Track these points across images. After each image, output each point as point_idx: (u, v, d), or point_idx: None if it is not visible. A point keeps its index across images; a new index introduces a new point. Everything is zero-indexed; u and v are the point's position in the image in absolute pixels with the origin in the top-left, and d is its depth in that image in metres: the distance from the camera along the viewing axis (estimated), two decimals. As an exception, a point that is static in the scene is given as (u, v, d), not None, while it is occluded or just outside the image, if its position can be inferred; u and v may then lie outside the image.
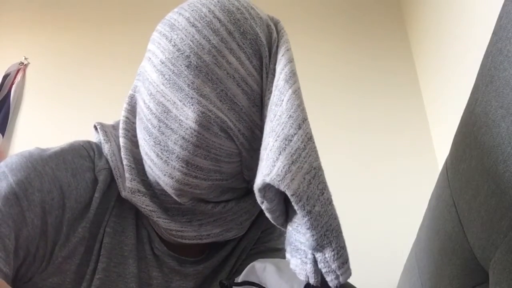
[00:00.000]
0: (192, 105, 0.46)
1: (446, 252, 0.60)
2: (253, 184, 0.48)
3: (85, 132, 2.06)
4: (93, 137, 0.57)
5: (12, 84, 1.95)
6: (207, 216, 0.53)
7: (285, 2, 2.02)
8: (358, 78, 1.82)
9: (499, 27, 0.48)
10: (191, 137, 0.46)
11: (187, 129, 0.46)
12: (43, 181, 0.46)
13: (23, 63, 2.01)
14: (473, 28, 1.21)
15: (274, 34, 0.50)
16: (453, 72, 1.39)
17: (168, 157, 0.48)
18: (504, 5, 0.48)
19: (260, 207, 0.46)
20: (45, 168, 0.47)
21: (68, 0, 2.16)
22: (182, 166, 0.48)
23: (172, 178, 0.48)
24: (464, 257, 0.53)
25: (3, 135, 1.85)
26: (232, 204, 0.53)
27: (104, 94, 1.90)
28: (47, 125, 1.88)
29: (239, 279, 0.49)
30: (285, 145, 0.39)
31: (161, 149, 0.48)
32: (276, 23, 0.53)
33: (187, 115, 0.46)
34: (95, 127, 0.57)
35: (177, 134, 0.47)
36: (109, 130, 0.56)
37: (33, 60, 2.03)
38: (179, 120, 0.47)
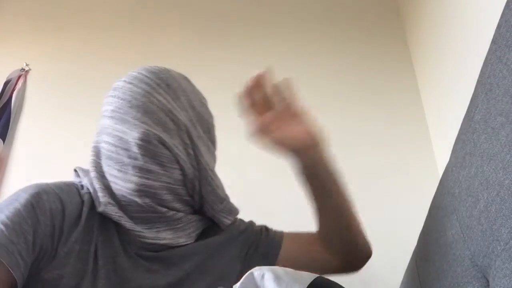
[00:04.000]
0: (136, 128, 0.67)
1: (447, 260, 0.60)
2: (197, 198, 0.73)
3: (85, 138, 2.05)
4: (73, 179, 0.76)
5: (13, 90, 1.95)
6: (164, 224, 0.70)
7: (284, 7, 2.03)
8: (357, 87, 1.82)
9: (498, 36, 0.49)
10: (138, 149, 0.66)
11: (134, 145, 0.66)
12: (49, 195, 0.64)
13: (24, 69, 2.02)
14: (472, 36, 1.22)
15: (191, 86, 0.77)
16: (453, 80, 1.39)
17: (126, 169, 0.67)
18: (503, 14, 0.48)
19: (204, 223, 0.76)
20: (48, 188, 0.65)
21: (70, 7, 2.17)
22: (136, 172, 0.67)
23: (131, 182, 0.67)
24: (464, 265, 0.53)
25: (4, 141, 1.85)
26: (181, 215, 0.71)
27: (105, 101, 1.90)
28: (48, 131, 1.88)
29: (237, 286, 0.49)
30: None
31: (120, 165, 0.67)
32: (188, 80, 0.78)
33: (133, 136, 0.66)
34: (75, 170, 0.76)
35: (129, 151, 0.67)
36: (85, 170, 0.74)
37: (34, 67, 2.03)
38: (129, 141, 0.67)
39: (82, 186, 0.72)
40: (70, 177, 1.81)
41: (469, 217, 0.51)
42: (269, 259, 0.79)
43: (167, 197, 0.69)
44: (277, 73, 0.77)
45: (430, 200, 0.79)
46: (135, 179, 0.66)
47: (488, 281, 0.47)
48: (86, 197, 0.69)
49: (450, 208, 0.61)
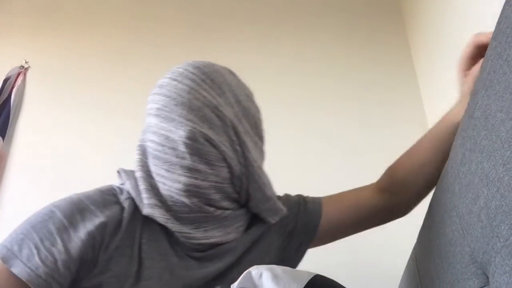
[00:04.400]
0: (182, 127, 0.65)
1: (446, 256, 0.60)
2: (243, 195, 0.72)
3: (84, 136, 2.04)
4: (116, 180, 0.74)
5: (13, 87, 1.95)
6: (211, 223, 0.69)
7: (285, 3, 2.02)
8: (356, 80, 1.82)
9: (498, 32, 0.48)
10: (186, 148, 0.65)
11: (181, 144, 0.65)
12: (83, 213, 0.63)
13: (23, 66, 2.01)
14: (472, 32, 1.21)
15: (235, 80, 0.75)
16: (453, 76, 1.39)
17: (174, 169, 0.65)
18: (503, 10, 0.48)
19: (250, 216, 0.75)
20: (82, 204, 0.64)
21: (69, 4, 2.16)
22: (184, 172, 0.65)
23: (180, 182, 0.65)
24: (464, 261, 0.53)
25: (3, 139, 1.85)
26: (228, 212, 0.70)
27: (105, 98, 1.90)
28: (48, 128, 1.88)
29: (235, 286, 0.49)
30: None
31: (168, 165, 0.66)
32: (233, 74, 0.77)
33: (180, 134, 0.65)
34: (118, 172, 0.74)
35: (176, 150, 0.65)
36: (128, 172, 0.73)
37: (33, 64, 2.03)
38: (176, 140, 0.65)
39: (121, 190, 0.70)
40: (70, 175, 1.81)
41: (469, 214, 0.51)
42: (310, 231, 0.80)
43: (215, 196, 0.68)
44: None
45: (430, 197, 0.79)
46: (183, 179, 0.65)
47: (488, 277, 0.48)
48: (126, 203, 0.68)
49: (450, 204, 0.61)
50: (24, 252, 0.58)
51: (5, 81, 1.96)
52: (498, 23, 0.49)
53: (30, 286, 0.57)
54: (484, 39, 0.64)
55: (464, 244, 0.53)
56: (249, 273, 0.50)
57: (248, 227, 0.76)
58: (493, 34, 0.51)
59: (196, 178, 0.65)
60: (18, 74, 1.99)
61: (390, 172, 0.86)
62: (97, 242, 0.62)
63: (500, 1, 0.49)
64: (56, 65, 2.01)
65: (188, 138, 0.64)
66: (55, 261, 0.58)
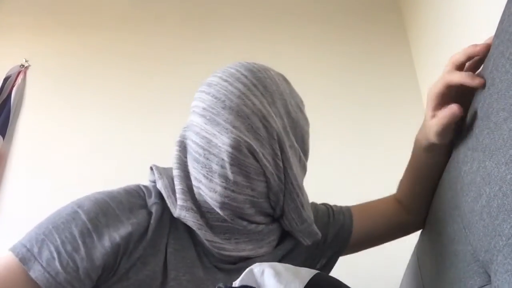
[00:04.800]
0: (227, 133, 0.61)
1: (448, 255, 0.60)
2: (278, 211, 0.68)
3: (84, 135, 2.03)
4: (148, 177, 0.71)
5: (13, 86, 1.95)
6: (243, 236, 0.66)
7: (284, 4, 2.02)
8: (355, 78, 1.82)
9: (501, 30, 0.48)
10: (227, 157, 0.61)
11: (224, 151, 0.61)
12: (108, 217, 0.60)
13: (23, 65, 2.01)
14: (474, 31, 1.21)
15: (287, 89, 0.70)
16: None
17: (212, 176, 0.62)
18: (506, 8, 0.48)
19: (283, 228, 0.70)
20: (107, 207, 0.61)
21: (69, 3, 2.16)
22: (222, 181, 0.62)
23: (216, 192, 0.62)
24: (466, 260, 0.53)
25: (3, 138, 1.85)
26: (262, 227, 0.67)
27: (106, 96, 1.90)
28: (48, 127, 1.88)
29: (237, 283, 0.49)
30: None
31: (207, 171, 0.63)
32: (287, 81, 0.72)
33: (223, 141, 0.61)
34: (151, 168, 0.71)
35: (217, 157, 0.62)
36: (161, 170, 0.69)
37: (34, 63, 2.03)
38: (218, 146, 0.62)
39: (149, 192, 0.66)
40: (70, 174, 1.80)
41: (471, 212, 0.51)
42: (342, 241, 0.80)
43: (249, 210, 0.65)
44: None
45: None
46: (219, 189, 0.62)
47: (489, 276, 0.47)
48: (154, 208, 0.64)
49: (452, 203, 0.61)
50: (44, 254, 0.55)
51: (5, 80, 1.96)
52: (501, 21, 0.49)
53: None
54: (455, 79, 0.57)
55: (466, 243, 0.53)
56: (251, 270, 0.50)
57: (280, 241, 0.73)
58: (495, 32, 0.51)
59: (233, 191, 0.62)
60: (19, 73, 1.99)
61: (399, 184, 0.85)
62: (121, 250, 0.59)
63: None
64: (56, 64, 2.01)
65: (232, 147, 0.61)
66: (77, 268, 0.55)
